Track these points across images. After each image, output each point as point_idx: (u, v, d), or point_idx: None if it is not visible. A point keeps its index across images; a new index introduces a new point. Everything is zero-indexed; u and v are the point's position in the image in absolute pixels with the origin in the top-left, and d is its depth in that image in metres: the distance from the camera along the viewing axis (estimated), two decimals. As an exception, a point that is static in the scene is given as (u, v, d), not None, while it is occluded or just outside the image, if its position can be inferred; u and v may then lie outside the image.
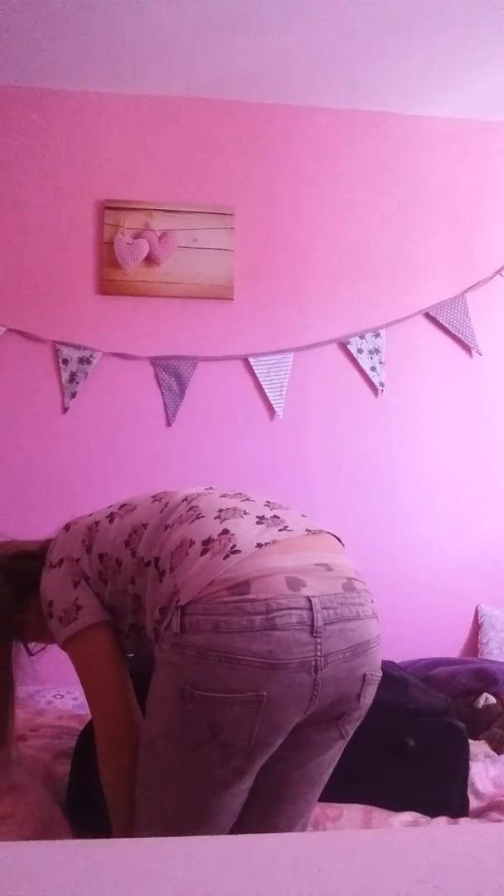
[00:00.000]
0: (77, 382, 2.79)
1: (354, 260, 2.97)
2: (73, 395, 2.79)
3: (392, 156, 3.01)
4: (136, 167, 2.88)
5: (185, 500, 1.31)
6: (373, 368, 2.93)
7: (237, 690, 1.08)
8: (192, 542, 1.20)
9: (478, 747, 1.92)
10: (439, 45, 2.57)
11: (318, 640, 1.11)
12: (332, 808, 1.55)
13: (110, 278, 2.83)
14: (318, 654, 1.11)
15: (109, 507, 1.41)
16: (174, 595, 1.16)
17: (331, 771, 1.30)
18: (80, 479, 2.78)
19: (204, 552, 1.17)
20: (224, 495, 1.32)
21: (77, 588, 1.31)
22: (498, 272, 3.02)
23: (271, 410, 2.89)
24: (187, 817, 1.16)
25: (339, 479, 2.91)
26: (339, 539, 1.31)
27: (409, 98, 2.91)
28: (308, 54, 2.64)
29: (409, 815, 1.58)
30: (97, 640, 1.30)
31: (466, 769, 1.68)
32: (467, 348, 3.00)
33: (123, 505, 1.39)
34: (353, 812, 1.57)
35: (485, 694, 2.15)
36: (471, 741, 1.80)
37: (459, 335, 2.98)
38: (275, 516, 1.26)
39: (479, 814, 1.65)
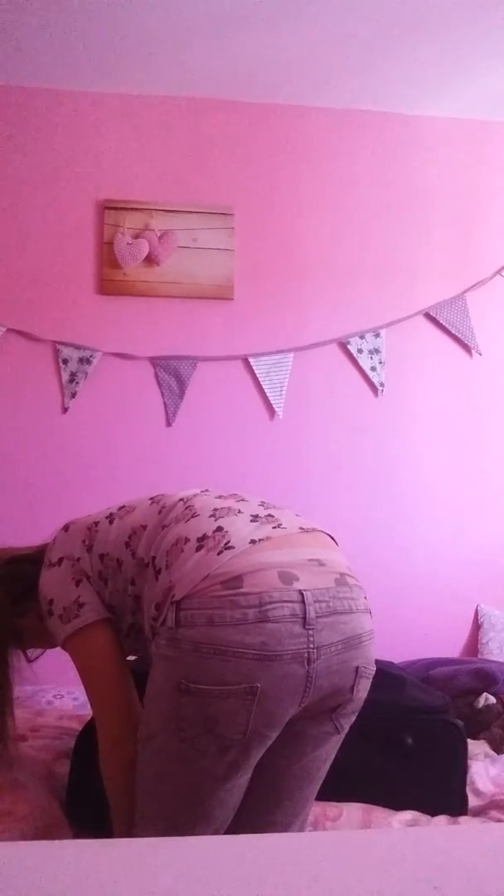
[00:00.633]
0: (77, 382, 2.79)
1: (354, 260, 2.97)
2: (73, 395, 2.79)
3: (392, 156, 3.01)
4: (136, 167, 2.88)
5: (182, 500, 1.33)
6: (373, 368, 2.93)
7: (231, 683, 1.10)
8: (186, 540, 1.22)
9: (478, 747, 1.92)
10: (439, 45, 2.57)
11: (311, 632, 1.13)
12: (332, 808, 1.56)
13: (110, 278, 2.83)
14: (311, 646, 1.13)
15: (108, 508, 1.43)
16: (169, 591, 1.17)
17: (327, 767, 1.31)
18: (79, 479, 2.78)
19: (198, 549, 1.19)
20: (219, 496, 1.35)
21: (79, 586, 1.33)
22: (498, 272, 3.02)
23: (271, 410, 2.89)
24: (186, 812, 1.17)
25: (338, 479, 2.91)
26: (332, 538, 1.33)
27: (409, 98, 2.91)
28: (308, 54, 2.64)
29: (409, 815, 1.58)
30: (98, 637, 1.31)
31: (465, 767, 1.68)
32: (467, 348, 3.00)
33: (122, 507, 1.41)
34: (353, 811, 1.57)
35: (485, 694, 2.15)
36: (471, 741, 1.81)
37: (459, 335, 2.98)
38: (269, 515, 1.28)
39: (479, 812, 1.65)
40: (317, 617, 1.14)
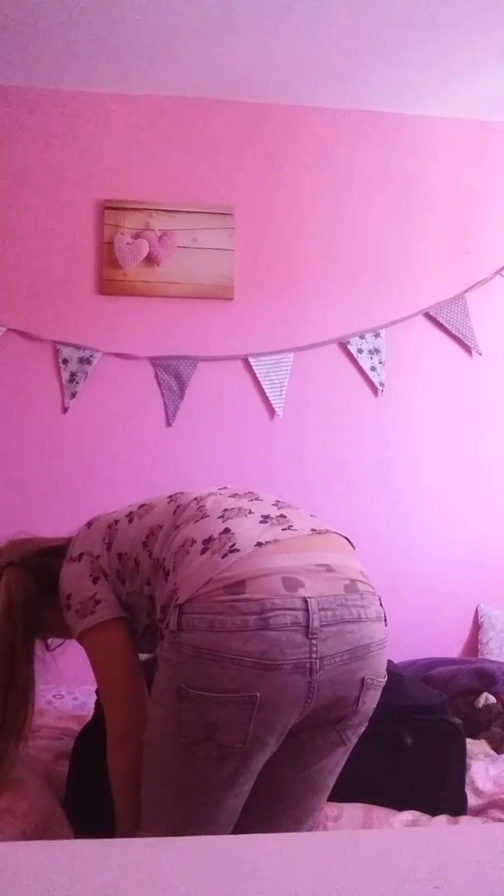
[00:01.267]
0: (77, 382, 2.79)
1: (354, 260, 2.97)
2: (73, 395, 2.79)
3: (392, 156, 3.01)
4: (136, 167, 2.88)
5: (196, 500, 1.32)
6: (373, 368, 2.93)
7: (230, 690, 1.08)
8: (193, 542, 1.20)
9: (478, 747, 1.92)
10: (439, 44, 2.57)
11: (314, 641, 1.10)
12: (333, 808, 1.56)
13: (110, 278, 2.83)
14: (314, 655, 1.10)
15: (129, 506, 1.43)
16: (174, 593, 1.16)
17: (334, 777, 1.29)
18: (80, 479, 2.78)
19: (204, 551, 1.17)
20: (234, 495, 1.32)
21: (96, 584, 1.33)
22: (498, 272, 3.02)
23: (271, 410, 2.89)
24: (188, 817, 1.16)
25: (338, 479, 2.91)
26: (348, 540, 1.30)
27: (409, 98, 2.91)
28: (308, 54, 2.64)
29: (409, 815, 1.58)
30: (112, 634, 1.31)
31: (464, 765, 1.69)
32: (467, 348, 3.00)
33: (143, 505, 1.40)
34: (353, 811, 1.57)
35: (485, 694, 2.15)
36: (471, 741, 1.81)
37: (459, 335, 2.98)
38: (281, 515, 1.25)
39: (479, 812, 1.65)
40: (321, 626, 1.10)
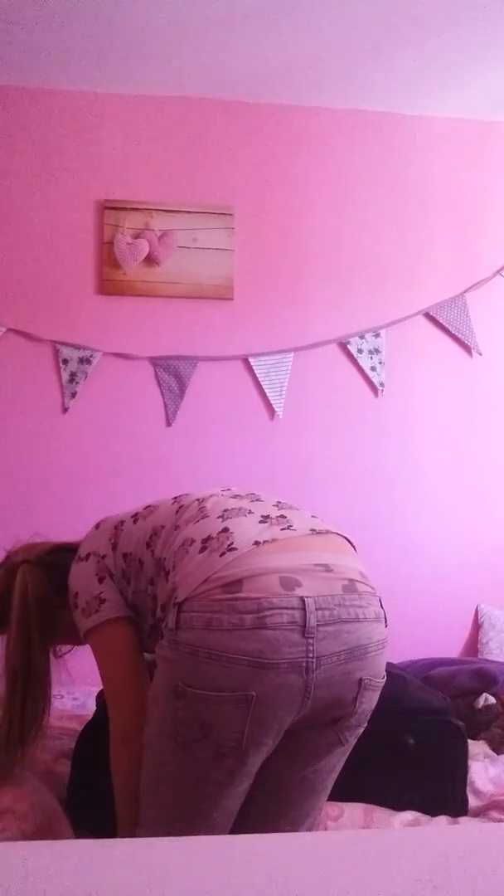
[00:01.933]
0: (77, 382, 2.79)
1: (354, 260, 2.97)
2: (73, 395, 2.79)
3: (392, 156, 3.00)
4: (136, 167, 2.88)
5: (198, 500, 1.33)
6: (373, 368, 2.93)
7: (226, 689, 1.08)
8: (192, 541, 1.21)
9: (478, 747, 1.92)
10: (439, 44, 2.57)
11: (311, 641, 1.10)
12: (333, 808, 1.55)
13: (110, 278, 2.83)
14: (310, 655, 1.10)
15: (135, 507, 1.44)
16: (173, 592, 1.17)
17: (333, 778, 1.29)
18: (80, 479, 2.78)
19: (202, 550, 1.18)
20: (235, 496, 1.33)
21: (102, 583, 1.34)
22: (498, 272, 3.02)
23: (271, 410, 2.89)
24: (185, 817, 1.16)
25: (338, 479, 2.91)
26: (349, 540, 1.30)
27: (410, 98, 2.91)
28: (308, 54, 2.63)
29: (409, 815, 1.58)
30: (117, 633, 1.33)
31: (465, 767, 1.68)
32: (467, 348, 3.00)
33: (147, 506, 1.41)
34: (353, 811, 1.57)
35: (485, 694, 2.15)
36: (471, 741, 1.80)
37: (459, 335, 2.98)
38: (281, 516, 1.25)
39: (479, 813, 1.65)
40: (318, 625, 1.10)
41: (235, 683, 1.08)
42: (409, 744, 1.62)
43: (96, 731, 1.44)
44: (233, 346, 2.89)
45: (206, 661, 1.09)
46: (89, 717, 1.72)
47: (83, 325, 2.82)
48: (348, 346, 2.93)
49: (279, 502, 1.32)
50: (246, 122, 2.93)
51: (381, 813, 1.57)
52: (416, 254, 2.99)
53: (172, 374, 2.84)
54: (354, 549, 1.30)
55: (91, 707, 2.00)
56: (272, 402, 2.87)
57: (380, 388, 2.93)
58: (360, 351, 2.93)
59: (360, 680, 1.16)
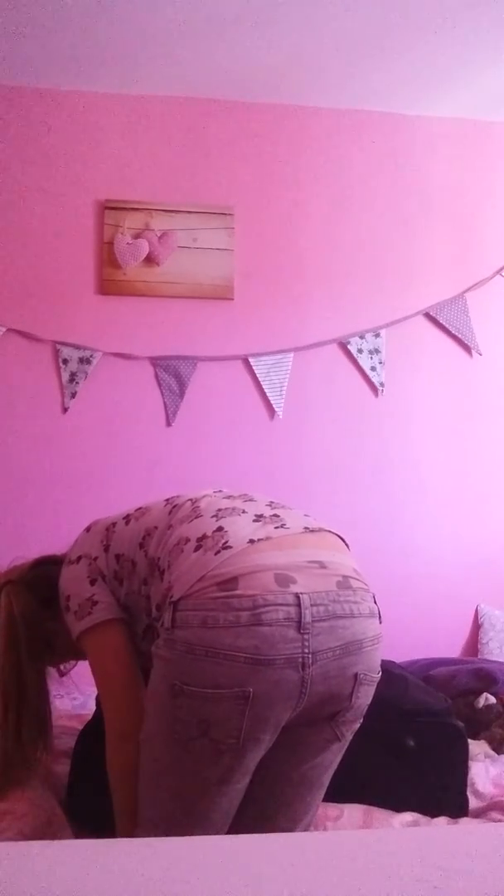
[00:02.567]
0: (77, 382, 2.79)
1: (354, 260, 2.97)
2: (73, 395, 2.79)
3: (392, 156, 3.00)
4: (136, 167, 2.88)
5: (190, 501, 1.33)
6: (373, 368, 2.93)
7: (223, 686, 1.09)
8: (187, 540, 1.22)
9: (478, 747, 1.92)
10: (440, 44, 2.57)
11: (306, 636, 1.11)
12: (333, 808, 1.55)
13: (110, 278, 2.83)
14: (306, 650, 1.11)
15: (127, 509, 1.44)
16: (168, 591, 1.18)
17: (330, 774, 1.29)
18: (80, 480, 2.78)
19: (197, 548, 1.19)
20: (228, 496, 1.34)
21: (94, 585, 1.34)
22: (498, 272, 3.02)
23: (271, 410, 2.89)
24: (184, 815, 1.17)
25: (338, 479, 2.91)
26: (342, 539, 1.31)
27: (410, 98, 2.91)
28: (308, 54, 2.63)
29: (409, 816, 1.58)
30: (110, 635, 1.32)
31: (466, 769, 1.68)
32: (467, 348, 3.00)
33: (139, 508, 1.42)
34: (353, 812, 1.57)
35: (485, 694, 2.15)
36: (471, 741, 1.80)
37: (459, 335, 2.98)
38: (274, 515, 1.27)
39: (479, 814, 1.65)
40: (313, 621, 1.11)
41: (232, 680, 1.08)
42: (409, 745, 1.62)
43: (96, 730, 1.44)
44: (233, 346, 2.89)
45: (203, 659, 1.09)
46: (89, 717, 1.71)
47: (83, 325, 2.82)
48: (348, 346, 2.93)
49: (272, 502, 1.33)
50: (246, 122, 2.93)
51: (380, 814, 1.57)
52: (416, 254, 3.00)
53: (172, 374, 2.84)
54: (348, 547, 1.31)
55: (91, 707, 2.00)
56: (272, 402, 2.87)
57: (380, 388, 2.93)
58: (360, 351, 2.93)
59: (356, 675, 1.17)
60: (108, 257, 2.83)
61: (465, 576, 2.93)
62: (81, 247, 2.85)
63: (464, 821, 1.60)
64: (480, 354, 3.00)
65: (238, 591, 1.11)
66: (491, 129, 3.05)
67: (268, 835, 0.69)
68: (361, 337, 2.94)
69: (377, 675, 1.23)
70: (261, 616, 1.09)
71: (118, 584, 1.34)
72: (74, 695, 2.34)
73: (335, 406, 2.93)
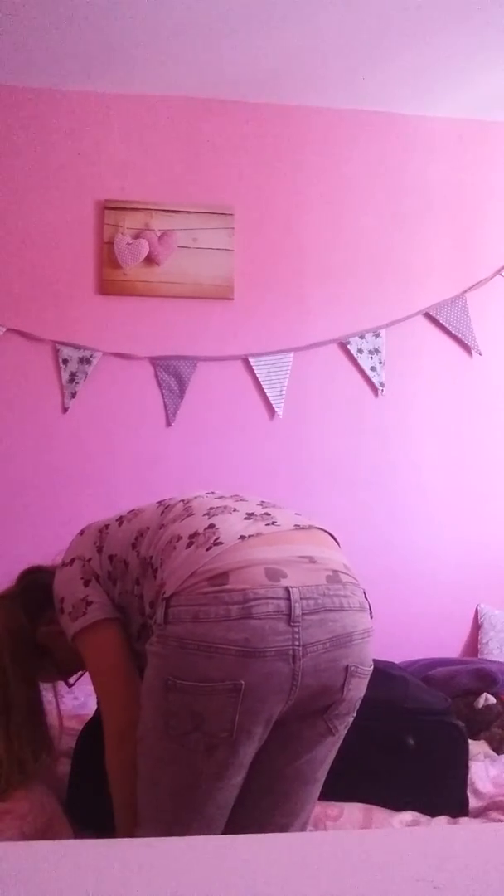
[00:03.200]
0: (77, 382, 2.79)
1: (354, 260, 2.97)
2: (73, 395, 2.79)
3: (392, 156, 3.01)
4: (136, 167, 2.88)
5: (183, 501, 1.35)
6: (373, 368, 2.93)
7: (215, 680, 1.10)
8: (179, 538, 1.24)
9: (478, 747, 1.92)
10: (440, 45, 2.57)
11: (296, 629, 1.12)
12: (333, 808, 1.56)
13: (110, 278, 2.83)
14: (296, 643, 1.12)
15: (119, 512, 1.46)
16: (161, 588, 1.19)
17: (325, 769, 1.30)
18: (80, 479, 2.78)
19: (189, 545, 1.21)
20: (220, 497, 1.36)
21: (88, 586, 1.35)
22: (498, 272, 3.02)
23: (271, 410, 2.89)
24: (180, 811, 1.18)
25: (338, 479, 2.91)
26: (332, 535, 1.33)
27: (410, 98, 2.91)
28: (308, 54, 2.63)
29: (409, 815, 1.58)
30: (106, 634, 1.33)
31: (466, 768, 1.68)
32: (467, 348, 3.00)
33: (132, 510, 1.44)
34: (353, 811, 1.57)
35: (485, 694, 2.15)
36: (471, 741, 1.81)
37: (459, 335, 2.98)
38: (265, 513, 1.29)
39: (479, 813, 1.65)
40: (303, 614, 1.13)
41: (224, 674, 1.10)
42: (409, 744, 1.62)
43: (96, 730, 1.44)
44: (233, 346, 2.89)
45: (195, 653, 1.10)
46: (89, 717, 1.72)
47: (83, 325, 2.82)
48: (348, 346, 2.93)
49: (263, 501, 1.35)
50: (246, 122, 2.93)
51: (380, 813, 1.58)
52: (416, 254, 2.99)
53: (172, 374, 2.84)
54: (338, 544, 1.33)
55: (91, 707, 2.00)
56: (272, 402, 2.87)
57: (380, 388, 2.93)
58: (360, 351, 2.93)
59: (347, 667, 1.18)
60: (108, 257, 2.83)
61: (465, 576, 2.93)
62: (81, 247, 2.85)
63: (464, 820, 1.60)
64: (480, 354, 3.00)
65: (229, 586, 1.12)
66: (490, 129, 3.05)
67: (267, 835, 0.69)
68: (361, 337, 2.94)
69: (369, 669, 1.24)
70: (251, 609, 1.11)
71: (112, 584, 1.35)
72: (75, 694, 2.33)
73: (335, 406, 2.93)
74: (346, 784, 1.43)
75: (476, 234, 3.03)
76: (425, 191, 3.01)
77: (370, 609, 1.25)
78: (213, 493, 1.40)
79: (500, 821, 1.59)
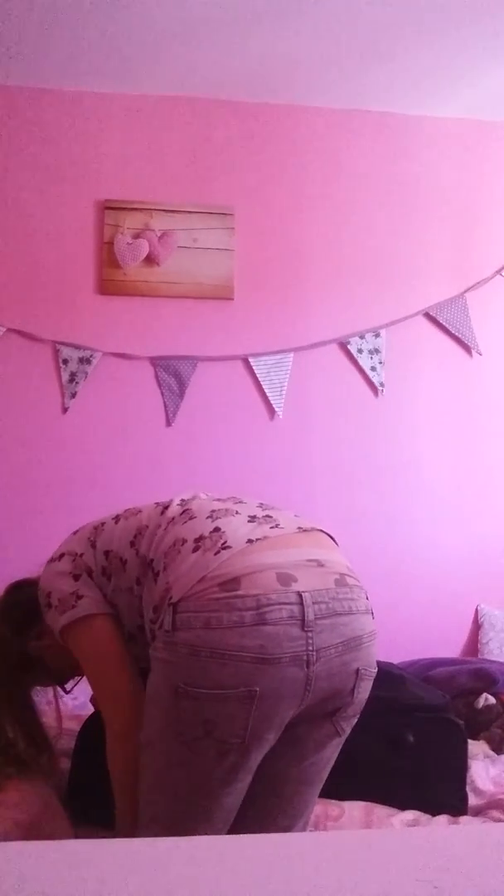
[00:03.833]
0: (77, 382, 2.79)
1: (354, 260, 2.97)
2: (73, 395, 2.79)
3: (392, 156, 3.00)
4: (136, 167, 2.88)
5: (181, 503, 1.34)
6: (373, 368, 2.93)
7: (230, 686, 1.09)
8: (184, 541, 1.22)
9: (478, 747, 1.92)
10: (440, 45, 2.57)
11: (310, 634, 1.12)
12: (333, 807, 1.56)
13: (110, 278, 2.83)
14: (310, 648, 1.12)
15: (116, 511, 1.44)
16: (167, 593, 1.17)
17: (328, 769, 1.30)
18: (80, 479, 2.78)
19: (195, 549, 1.19)
20: (217, 499, 1.35)
21: (78, 581, 1.33)
22: (498, 272, 3.02)
23: (271, 410, 2.89)
24: (186, 815, 1.17)
25: (339, 479, 2.91)
26: (332, 537, 1.33)
27: (410, 98, 2.91)
28: (308, 54, 2.63)
29: (409, 815, 1.58)
30: (98, 629, 1.30)
31: (465, 764, 1.69)
32: (467, 348, 3.00)
33: (129, 509, 1.42)
34: (354, 810, 1.57)
35: (485, 694, 2.15)
36: (471, 741, 1.81)
37: (459, 335, 2.98)
38: (266, 515, 1.28)
39: (479, 811, 1.65)
40: (316, 619, 1.12)
41: (239, 680, 1.09)
42: (409, 741, 1.62)
43: (96, 727, 1.44)
44: (233, 346, 2.89)
45: (208, 660, 1.09)
46: (89, 716, 1.71)
47: (83, 325, 2.82)
48: (348, 346, 2.93)
49: (262, 503, 1.35)
50: (246, 122, 2.93)
51: (381, 812, 1.58)
52: (416, 254, 2.99)
53: (172, 374, 2.84)
54: (337, 545, 1.32)
55: (91, 707, 2.00)
56: (272, 402, 2.87)
57: (380, 388, 2.93)
58: (360, 351, 2.93)
59: (357, 670, 1.19)
60: (108, 257, 2.83)
61: (465, 576, 2.93)
62: (81, 247, 2.85)
63: (464, 820, 1.60)
64: (480, 354, 3.00)
65: (241, 592, 1.11)
66: (491, 129, 3.05)
67: (268, 835, 0.69)
68: (361, 337, 2.93)
69: (375, 671, 1.25)
70: (265, 615, 1.10)
71: (106, 580, 1.33)
72: (74, 694, 2.33)
73: (335, 406, 2.93)
74: (346, 782, 1.43)
75: (476, 234, 3.03)
76: (425, 191, 3.01)
77: (371, 611, 1.25)
78: (208, 495, 1.39)
79: (501, 820, 1.59)
